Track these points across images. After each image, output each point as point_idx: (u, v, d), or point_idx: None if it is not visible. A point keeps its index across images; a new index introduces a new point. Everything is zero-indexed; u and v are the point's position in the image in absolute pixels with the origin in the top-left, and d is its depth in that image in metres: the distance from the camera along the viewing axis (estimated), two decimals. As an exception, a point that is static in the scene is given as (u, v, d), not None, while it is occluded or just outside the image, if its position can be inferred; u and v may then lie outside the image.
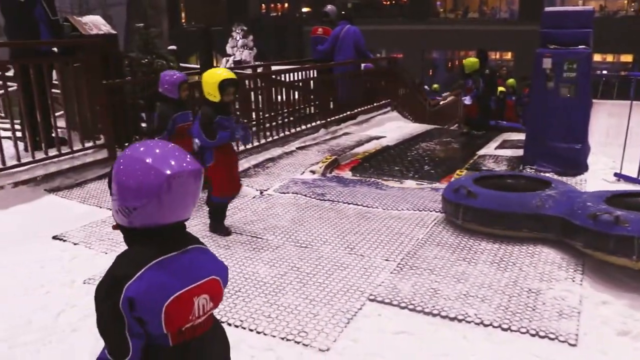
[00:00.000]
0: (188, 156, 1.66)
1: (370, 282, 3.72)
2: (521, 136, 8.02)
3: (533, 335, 3.11)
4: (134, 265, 1.60)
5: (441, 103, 13.95)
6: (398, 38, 29.11)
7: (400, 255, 4.14)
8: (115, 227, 1.71)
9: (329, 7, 10.14)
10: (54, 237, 4.52)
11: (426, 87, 18.23)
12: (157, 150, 1.63)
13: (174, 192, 1.59)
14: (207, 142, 4.35)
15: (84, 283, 3.76)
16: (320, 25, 10.28)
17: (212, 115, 4.33)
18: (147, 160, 1.59)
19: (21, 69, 5.77)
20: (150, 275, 1.59)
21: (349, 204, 5.28)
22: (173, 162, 1.59)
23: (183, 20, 38.26)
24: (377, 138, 8.31)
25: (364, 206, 5.22)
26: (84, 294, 3.57)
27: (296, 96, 8.29)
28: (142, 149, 1.65)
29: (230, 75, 4.34)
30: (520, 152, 7.01)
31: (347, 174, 6.42)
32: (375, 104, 10.23)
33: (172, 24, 33.69)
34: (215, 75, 4.30)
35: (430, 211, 5.06)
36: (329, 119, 8.79)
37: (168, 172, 1.57)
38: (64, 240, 4.48)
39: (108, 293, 1.59)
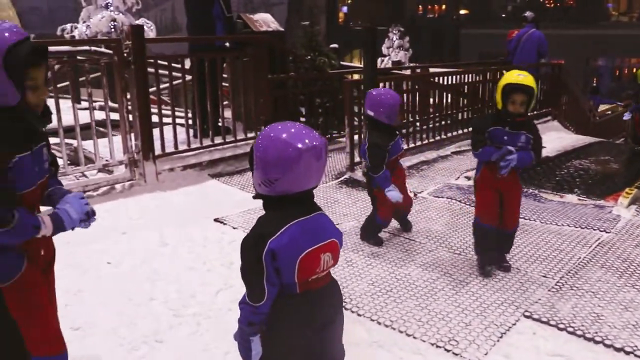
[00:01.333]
0: (315, 133, 1.95)
1: (526, 298, 3.56)
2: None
3: None
4: (276, 224, 1.94)
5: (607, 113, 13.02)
6: (560, 43, 27.55)
7: (559, 273, 3.92)
8: (255, 197, 2.05)
9: (528, 13, 9.91)
10: (215, 220, 4.81)
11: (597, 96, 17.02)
12: (291, 129, 1.93)
13: (307, 164, 1.89)
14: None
15: (242, 266, 3.97)
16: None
17: (485, 125, 3.70)
18: (283, 138, 1.89)
19: (197, 62, 6.21)
20: (290, 232, 1.93)
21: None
22: (305, 137, 1.90)
23: (340, 20, 39.07)
24: (537, 148, 7.92)
25: (521, 218, 4.99)
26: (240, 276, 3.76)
27: (449, 99, 8.13)
28: (277, 128, 1.94)
29: (524, 80, 3.51)
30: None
31: (503, 183, 6.19)
32: (535, 112, 9.76)
33: (329, 22, 34.55)
34: (506, 77, 3.60)
35: (594, 230, 4.74)
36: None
37: (303, 146, 1.87)
38: (224, 224, 4.75)
39: (253, 246, 1.94)
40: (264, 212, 2.05)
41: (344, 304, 3.42)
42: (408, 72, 11.08)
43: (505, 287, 3.68)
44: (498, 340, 3.10)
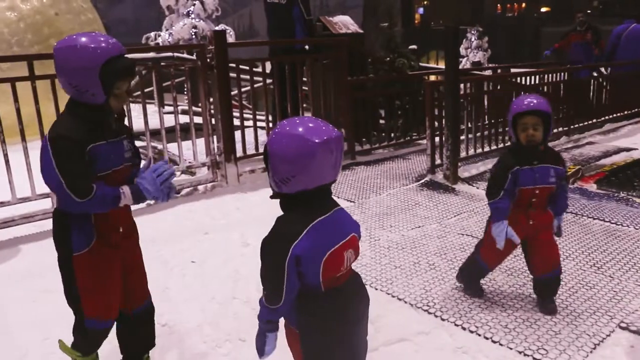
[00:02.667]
0: (329, 125, 1.89)
1: (621, 308, 3.36)
2: None
3: None
4: (297, 226, 1.88)
5: None
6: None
7: (657, 282, 3.69)
8: (273, 197, 1.99)
9: None
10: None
11: None
12: (304, 124, 1.87)
13: (322, 158, 1.83)
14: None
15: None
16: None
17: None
18: (300, 134, 1.83)
19: (277, 65, 6.29)
20: (312, 234, 1.87)
21: (594, 219, 4.86)
22: (318, 131, 1.83)
23: (416, 22, 38.68)
24: (627, 150, 7.53)
25: (612, 223, 4.76)
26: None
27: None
28: (290, 124, 1.90)
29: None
30: None
31: (591, 187, 5.91)
32: (626, 112, 9.31)
33: (405, 24, 34.25)
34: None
35: (694, 236, 4.44)
36: (572, 126, 8.19)
37: (318, 140, 1.80)
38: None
39: (273, 249, 1.90)
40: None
41: (427, 308, 3.37)
42: (488, 72, 10.83)
43: (597, 296, 3.50)
44: (591, 352, 2.94)
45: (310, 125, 1.87)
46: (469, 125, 6.64)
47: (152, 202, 2.40)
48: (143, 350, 2.87)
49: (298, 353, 2.10)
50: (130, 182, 2.45)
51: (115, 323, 2.67)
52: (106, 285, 2.49)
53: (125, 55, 2.32)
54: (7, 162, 4.72)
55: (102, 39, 2.27)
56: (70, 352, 2.65)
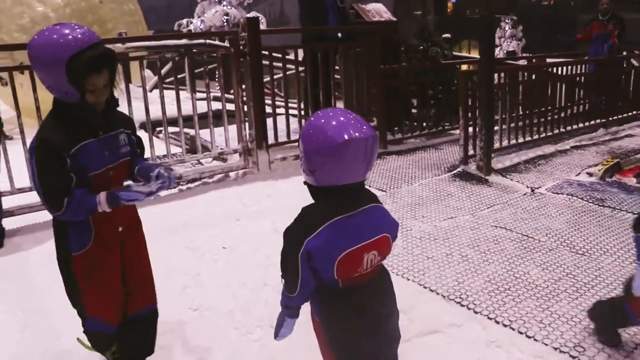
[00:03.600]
0: (364, 124, 1.80)
1: (661, 304, 3.28)
2: None
3: None
4: (316, 220, 1.84)
5: None
6: None
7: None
8: (305, 183, 1.94)
9: None
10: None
11: None
12: (335, 119, 1.79)
13: (349, 156, 1.75)
14: None
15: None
16: None
17: None
18: (325, 129, 1.77)
19: (310, 53, 6.25)
20: (327, 233, 1.82)
21: (634, 213, 4.74)
22: (346, 130, 1.75)
23: (448, 10, 38.13)
24: (667, 143, 7.34)
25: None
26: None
27: (568, 91, 7.69)
28: (323, 116, 1.83)
29: None
30: None
31: (630, 181, 5.76)
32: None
33: (436, 13, 33.79)
34: None
35: None
36: (610, 118, 8.00)
37: (340, 140, 1.73)
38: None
39: (291, 240, 1.88)
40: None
41: (459, 300, 3.33)
42: (523, 62, 10.63)
43: (637, 292, 3.41)
44: (632, 351, 2.86)
45: (342, 120, 1.79)
46: (503, 115, 6.52)
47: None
48: (138, 357, 2.74)
49: (322, 342, 2.10)
50: (131, 174, 2.46)
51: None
52: (105, 286, 2.42)
53: (98, 45, 2.12)
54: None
55: (66, 31, 2.07)
56: (88, 347, 2.67)
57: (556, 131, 7.22)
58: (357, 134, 1.75)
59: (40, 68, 2.11)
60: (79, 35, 2.07)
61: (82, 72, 2.07)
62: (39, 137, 2.15)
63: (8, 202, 4.69)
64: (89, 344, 2.64)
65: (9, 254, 4.21)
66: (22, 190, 4.77)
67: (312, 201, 1.96)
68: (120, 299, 2.52)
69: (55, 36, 2.06)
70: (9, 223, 4.58)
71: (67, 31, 2.07)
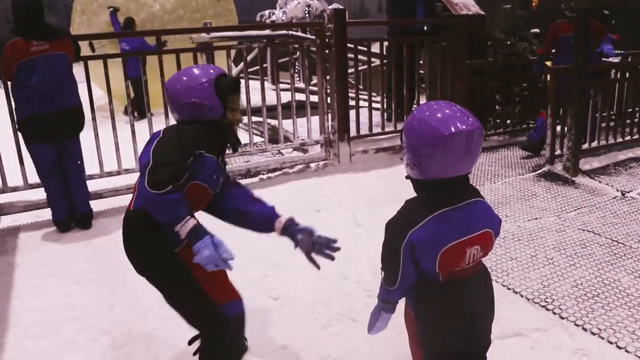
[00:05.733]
0: (470, 116, 1.77)
1: None
2: None
3: None
4: (420, 212, 1.82)
5: None
6: None
7: None
8: (407, 177, 1.93)
9: None
10: (408, 205, 4.78)
11: None
12: (441, 111, 1.77)
13: (453, 150, 1.73)
14: None
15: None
16: None
17: None
18: (430, 121, 1.75)
19: (395, 46, 6.20)
20: (432, 225, 1.80)
21: None
22: (452, 123, 1.73)
23: (534, 4, 36.84)
24: None
25: None
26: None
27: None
28: (428, 109, 1.82)
29: None
30: None
31: None
32: None
33: (525, 5, 32.72)
34: None
35: None
36: None
37: (446, 132, 1.71)
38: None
39: (395, 233, 1.86)
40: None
41: (545, 304, 3.24)
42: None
43: None
44: None
45: (448, 113, 1.77)
46: (595, 115, 6.26)
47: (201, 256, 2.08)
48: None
49: (413, 335, 2.09)
50: (210, 205, 2.44)
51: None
52: (221, 271, 2.27)
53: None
54: (133, 132, 5.03)
55: (209, 65, 2.56)
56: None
57: (650, 133, 6.86)
58: (463, 127, 1.73)
59: (191, 89, 2.29)
60: (216, 68, 2.43)
61: (227, 89, 2.34)
62: (183, 126, 2.30)
63: (97, 185, 4.93)
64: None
65: (97, 236, 4.42)
66: (110, 174, 5.00)
67: (402, 196, 1.97)
68: (228, 277, 2.44)
69: (199, 67, 2.40)
70: (96, 205, 4.81)
71: (204, 66, 2.44)
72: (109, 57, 5.12)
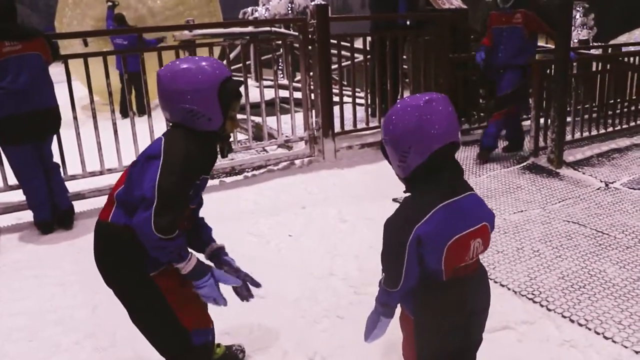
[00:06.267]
0: (434, 94, 1.86)
1: None
2: None
3: None
4: (422, 208, 1.81)
5: None
6: None
7: None
8: (405, 192, 1.93)
9: None
10: (394, 200, 4.76)
11: None
12: (405, 100, 1.87)
13: (432, 115, 1.77)
14: None
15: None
16: None
17: None
18: (403, 106, 1.84)
19: (379, 40, 6.18)
20: (438, 217, 1.79)
21: None
22: (424, 96, 1.82)
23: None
24: None
25: None
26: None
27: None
28: (397, 106, 1.87)
29: None
30: None
31: None
32: None
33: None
34: None
35: None
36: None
37: (423, 99, 1.80)
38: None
39: (398, 229, 1.84)
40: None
41: (532, 296, 3.24)
42: (596, 51, 10.22)
43: None
44: None
45: (413, 96, 1.88)
46: (577, 107, 6.29)
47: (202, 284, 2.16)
48: None
49: (410, 337, 2.05)
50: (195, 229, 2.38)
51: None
52: (190, 291, 2.24)
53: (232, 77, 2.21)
54: (115, 131, 4.97)
55: (208, 62, 2.15)
56: None
57: (632, 124, 6.91)
58: (434, 96, 1.83)
59: (189, 92, 2.08)
60: (222, 66, 2.17)
61: (231, 95, 2.14)
62: (185, 147, 2.06)
63: (80, 186, 4.87)
64: None
65: (79, 236, 4.34)
66: (93, 174, 4.94)
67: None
68: (202, 304, 2.37)
69: (204, 64, 2.13)
70: (79, 206, 4.75)
71: (209, 62, 2.15)
72: (90, 55, 5.03)
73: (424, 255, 1.83)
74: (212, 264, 2.29)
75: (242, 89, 2.25)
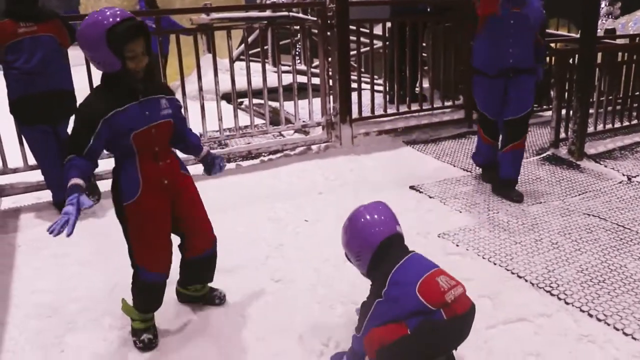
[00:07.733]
0: (381, 215, 2.53)
1: None
2: None
3: None
4: (384, 280, 2.31)
5: None
6: None
7: None
8: (368, 277, 2.52)
9: None
10: (411, 187, 4.74)
11: None
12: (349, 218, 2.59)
13: (367, 222, 2.49)
14: None
15: (438, 237, 3.87)
16: None
17: None
18: (347, 221, 2.60)
19: (398, 26, 6.11)
20: (396, 277, 2.30)
21: None
22: (359, 208, 2.58)
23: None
24: None
25: None
26: (438, 248, 3.66)
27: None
28: (349, 219, 2.59)
29: None
30: None
31: None
32: None
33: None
34: None
35: None
36: None
37: (357, 213, 2.56)
38: (420, 192, 4.66)
39: (383, 308, 2.30)
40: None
41: (549, 289, 3.21)
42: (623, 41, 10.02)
43: None
44: None
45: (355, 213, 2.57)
46: (601, 98, 6.19)
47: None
48: (198, 283, 3.12)
49: None
50: (178, 138, 2.81)
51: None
52: (153, 233, 2.68)
53: (131, 19, 2.42)
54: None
55: (107, 11, 2.41)
56: (130, 311, 2.86)
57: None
58: (366, 205, 2.55)
59: (87, 46, 2.42)
60: (115, 12, 2.40)
61: (119, 39, 2.36)
62: (81, 103, 2.55)
63: (99, 167, 4.85)
64: (131, 305, 2.85)
65: (99, 217, 4.39)
66: (111, 156, 4.92)
67: None
68: (168, 249, 2.77)
69: (95, 16, 2.40)
70: (98, 186, 4.74)
71: (105, 11, 2.41)
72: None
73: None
74: (83, 189, 2.45)
75: (138, 28, 2.44)
